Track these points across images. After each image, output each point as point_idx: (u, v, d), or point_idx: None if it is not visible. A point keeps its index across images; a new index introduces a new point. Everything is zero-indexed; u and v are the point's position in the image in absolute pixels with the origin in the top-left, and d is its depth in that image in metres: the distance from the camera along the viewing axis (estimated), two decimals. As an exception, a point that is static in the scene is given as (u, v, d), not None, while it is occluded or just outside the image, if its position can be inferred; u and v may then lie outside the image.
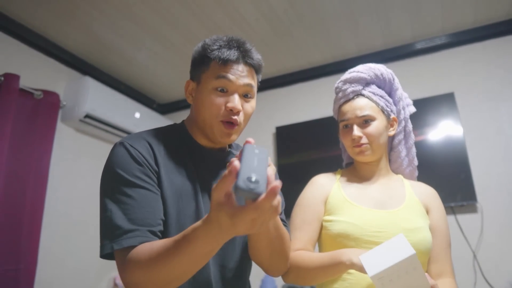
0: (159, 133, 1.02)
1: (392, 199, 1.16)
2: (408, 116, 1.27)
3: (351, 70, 1.24)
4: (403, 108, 1.25)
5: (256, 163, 0.59)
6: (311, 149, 2.82)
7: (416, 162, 1.29)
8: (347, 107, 1.20)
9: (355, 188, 1.21)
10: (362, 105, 1.18)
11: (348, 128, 1.20)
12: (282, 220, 1.20)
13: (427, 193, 1.20)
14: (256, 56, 1.01)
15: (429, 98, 2.54)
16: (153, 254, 0.77)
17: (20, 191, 2.20)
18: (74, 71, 2.76)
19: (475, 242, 2.25)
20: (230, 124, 0.96)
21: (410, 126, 1.27)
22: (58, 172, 2.49)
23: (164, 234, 0.90)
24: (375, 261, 0.86)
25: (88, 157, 2.75)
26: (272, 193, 0.57)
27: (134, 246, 0.82)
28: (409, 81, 2.63)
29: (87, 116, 2.57)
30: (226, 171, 0.61)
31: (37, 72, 2.49)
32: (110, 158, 0.93)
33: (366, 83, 1.22)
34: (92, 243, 2.65)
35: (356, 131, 1.16)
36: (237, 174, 0.57)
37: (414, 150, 1.28)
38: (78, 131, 2.74)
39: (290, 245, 1.06)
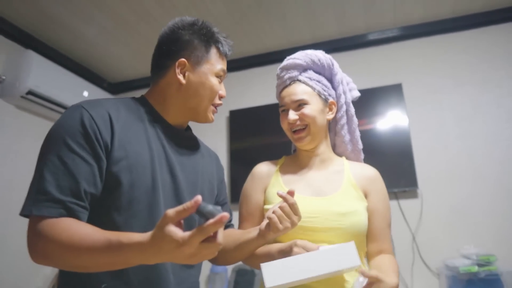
0: (120, 103, 1.01)
1: (328, 186, 1.19)
2: (350, 101, 1.30)
3: (289, 57, 1.28)
4: (344, 93, 1.28)
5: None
6: (264, 134, 2.85)
7: (360, 146, 1.32)
8: (284, 93, 1.24)
9: (293, 177, 1.24)
10: (297, 91, 1.21)
11: (285, 112, 1.24)
12: (228, 223, 1.25)
13: (367, 176, 1.22)
14: None
15: (378, 88, 2.64)
16: (75, 238, 0.77)
17: (-48, 171, 2.04)
18: (16, 44, 2.57)
19: (414, 226, 2.40)
20: (215, 107, 1.12)
21: (352, 110, 1.30)
22: (-4, 152, 2.34)
23: (114, 203, 0.89)
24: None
25: (30, 136, 2.60)
26: (221, 218, 0.65)
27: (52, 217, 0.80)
28: (360, 71, 2.72)
29: (29, 92, 2.42)
30: (188, 203, 0.66)
31: (-28, 43, 2.30)
32: (61, 118, 0.91)
33: (304, 69, 1.25)
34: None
35: (291, 114, 1.20)
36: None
37: (358, 133, 1.31)
38: (19, 108, 2.57)
39: None
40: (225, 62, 1.12)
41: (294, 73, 1.24)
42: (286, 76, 1.25)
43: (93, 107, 0.92)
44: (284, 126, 1.25)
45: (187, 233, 0.66)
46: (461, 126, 2.48)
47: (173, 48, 1.04)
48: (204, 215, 0.66)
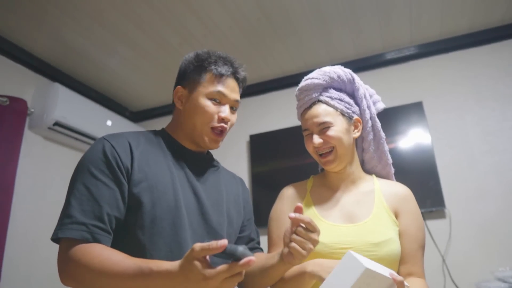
0: (140, 133, 1.10)
1: (360, 210, 1.14)
2: (375, 115, 1.24)
3: (306, 77, 1.22)
4: (368, 107, 1.22)
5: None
6: (285, 157, 2.83)
7: (390, 160, 1.27)
8: (306, 116, 1.19)
9: (325, 200, 1.19)
10: (319, 112, 1.16)
11: (309, 136, 1.19)
12: (257, 244, 1.24)
13: (398, 195, 1.18)
14: (244, 73, 1.15)
15: (398, 107, 2.61)
16: (107, 264, 0.81)
17: (-17, 201, 2.11)
18: (43, 77, 2.69)
19: (444, 247, 2.31)
20: (219, 131, 1.07)
21: (378, 124, 1.24)
22: (25, 182, 2.40)
23: (138, 222, 0.94)
24: (334, 287, 0.84)
25: (57, 166, 2.67)
26: (249, 261, 0.69)
27: (79, 240, 0.85)
28: (379, 90, 2.66)
29: (56, 123, 2.50)
30: (214, 243, 0.69)
31: (3, 78, 2.41)
32: (87, 151, 0.99)
33: (323, 88, 1.20)
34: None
35: (316, 139, 1.15)
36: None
37: (386, 148, 1.26)
38: (46, 139, 2.65)
39: None
40: (226, 83, 1.08)
41: (314, 94, 1.18)
42: (306, 98, 1.20)
43: (114, 137, 1.01)
44: (310, 149, 1.20)
45: (215, 269, 0.71)
46: (487, 141, 2.41)
47: (177, 79, 1.14)
48: (232, 256, 0.71)
